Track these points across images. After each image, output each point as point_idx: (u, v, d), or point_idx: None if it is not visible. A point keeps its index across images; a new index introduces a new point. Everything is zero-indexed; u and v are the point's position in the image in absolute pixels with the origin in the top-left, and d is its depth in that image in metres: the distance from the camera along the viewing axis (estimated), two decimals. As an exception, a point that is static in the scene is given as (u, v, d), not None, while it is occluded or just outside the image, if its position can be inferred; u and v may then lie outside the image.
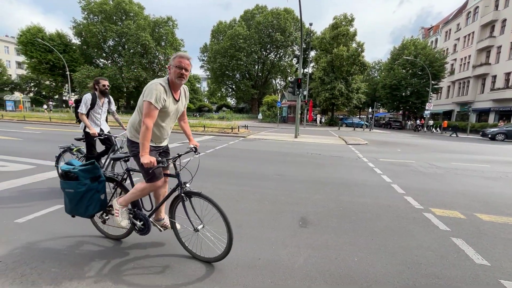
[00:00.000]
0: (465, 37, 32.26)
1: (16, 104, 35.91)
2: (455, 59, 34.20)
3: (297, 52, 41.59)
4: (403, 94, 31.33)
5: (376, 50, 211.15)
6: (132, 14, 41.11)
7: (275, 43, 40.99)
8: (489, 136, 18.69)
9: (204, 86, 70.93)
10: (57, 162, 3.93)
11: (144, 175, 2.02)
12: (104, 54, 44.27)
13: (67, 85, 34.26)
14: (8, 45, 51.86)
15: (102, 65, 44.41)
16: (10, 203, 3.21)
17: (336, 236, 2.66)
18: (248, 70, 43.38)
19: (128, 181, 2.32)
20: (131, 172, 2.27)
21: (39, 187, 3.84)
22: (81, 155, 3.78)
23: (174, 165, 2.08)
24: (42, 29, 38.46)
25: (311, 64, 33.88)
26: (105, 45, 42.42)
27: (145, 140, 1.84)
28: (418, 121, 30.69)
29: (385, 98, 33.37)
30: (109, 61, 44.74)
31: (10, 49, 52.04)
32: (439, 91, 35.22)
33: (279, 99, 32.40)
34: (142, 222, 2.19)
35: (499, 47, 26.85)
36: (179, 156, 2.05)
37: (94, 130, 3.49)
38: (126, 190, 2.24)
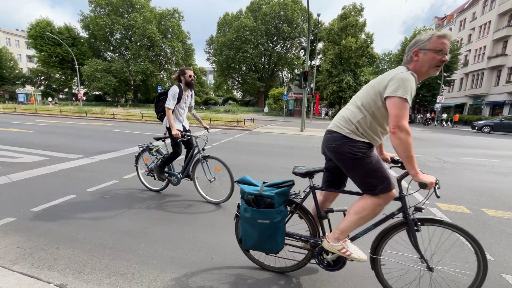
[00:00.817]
0: (480, 26, 30.90)
1: (27, 97, 36.83)
2: (469, 50, 32.91)
3: (304, 44, 40.86)
4: (413, 86, 30.43)
5: (387, 41, 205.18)
6: (138, 6, 41.09)
7: (282, 35, 40.32)
8: (476, 128, 19.30)
9: (210, 79, 70.82)
10: (137, 161, 3.64)
11: (372, 184, 1.54)
12: (112, 47, 44.64)
13: (76, 78, 34.83)
14: (19, 39, 52.81)
15: (109, 58, 44.85)
16: (26, 192, 3.37)
17: (339, 228, 2.69)
18: (255, 63, 42.97)
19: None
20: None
21: (53, 178, 4.00)
22: (160, 156, 3.41)
23: (399, 183, 1.57)
24: (51, 23, 38.95)
25: (319, 56, 33.29)
26: (112, 38, 42.72)
27: (412, 152, 1.37)
28: (428, 115, 29.95)
29: (395, 91, 32.52)
30: (116, 54, 45.13)
31: (20, 42, 53.02)
32: (451, 83, 34.11)
33: (285, 92, 32.09)
34: (335, 255, 1.70)
35: (517, 37, 25.67)
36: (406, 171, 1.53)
37: (177, 131, 3.08)
38: (306, 215, 1.80)
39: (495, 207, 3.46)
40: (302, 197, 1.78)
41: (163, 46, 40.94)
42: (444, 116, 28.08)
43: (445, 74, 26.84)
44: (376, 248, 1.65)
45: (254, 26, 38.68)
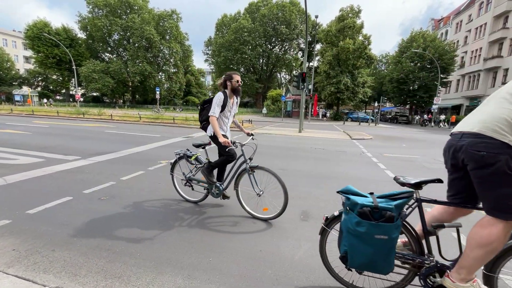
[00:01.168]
0: (476, 28, 31.23)
1: (24, 98, 36.56)
2: (465, 52, 33.24)
3: (302, 46, 41.04)
4: (411, 88, 30.75)
5: (384, 43, 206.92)
6: (136, 8, 41.06)
7: (280, 36, 40.46)
8: None
9: (208, 80, 70.77)
10: (172, 169, 3.37)
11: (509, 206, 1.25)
12: (109, 48, 44.53)
13: (73, 79, 34.68)
14: (16, 40, 52.54)
15: (107, 59, 44.72)
16: (21, 194, 3.34)
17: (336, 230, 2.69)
18: (253, 64, 43.03)
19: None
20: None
21: (49, 180, 3.97)
22: (199, 165, 3.12)
23: None
24: (48, 24, 38.78)
25: (317, 58, 33.46)
26: (110, 39, 42.61)
27: None
28: (425, 116, 30.16)
29: (392, 92, 32.81)
30: (114, 55, 45.02)
31: (17, 43, 52.76)
32: (448, 84, 34.44)
33: (283, 93, 32.17)
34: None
35: (512, 39, 25.97)
36: None
37: (224, 139, 2.73)
38: (409, 230, 1.58)
39: (491, 208, 3.47)
40: (405, 210, 1.56)
41: (161, 47, 40.89)
42: (443, 117, 28.32)
43: (441, 75, 27.07)
44: (493, 265, 1.44)
45: (252, 28, 38.76)
